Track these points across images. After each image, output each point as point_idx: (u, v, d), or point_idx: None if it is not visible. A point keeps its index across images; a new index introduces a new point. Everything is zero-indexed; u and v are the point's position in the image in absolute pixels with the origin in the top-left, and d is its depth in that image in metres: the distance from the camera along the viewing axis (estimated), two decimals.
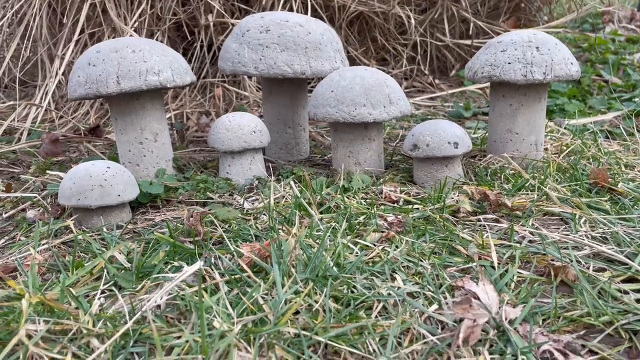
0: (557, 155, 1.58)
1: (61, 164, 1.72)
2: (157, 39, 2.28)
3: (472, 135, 1.89)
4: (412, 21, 2.62)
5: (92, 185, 1.22)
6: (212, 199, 1.37)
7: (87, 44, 2.21)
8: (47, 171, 1.53)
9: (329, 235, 1.06)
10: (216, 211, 1.22)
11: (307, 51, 1.55)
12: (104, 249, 1.12)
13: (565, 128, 1.99)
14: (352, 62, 2.68)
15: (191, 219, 1.09)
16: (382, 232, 1.06)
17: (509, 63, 1.38)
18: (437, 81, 2.89)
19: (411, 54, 2.80)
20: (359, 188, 1.33)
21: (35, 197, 1.39)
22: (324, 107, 1.43)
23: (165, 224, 1.16)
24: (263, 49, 1.55)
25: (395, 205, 1.26)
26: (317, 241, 1.03)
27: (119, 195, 1.24)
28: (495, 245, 1.02)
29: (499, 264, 0.96)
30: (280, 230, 1.07)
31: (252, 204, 1.32)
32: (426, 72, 2.81)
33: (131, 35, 2.07)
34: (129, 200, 1.27)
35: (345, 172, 1.48)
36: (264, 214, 1.23)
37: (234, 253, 0.99)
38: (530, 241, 1.07)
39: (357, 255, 0.99)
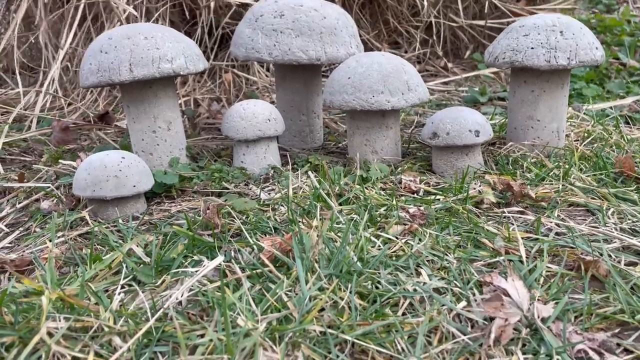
0: (579, 142, 1.54)
1: (73, 152, 1.70)
2: (157, 22, 2.24)
3: (489, 121, 1.85)
4: (425, 2, 2.56)
5: (107, 176, 1.20)
6: (227, 189, 1.34)
7: (90, 30, 2.17)
8: (60, 160, 1.51)
9: (351, 229, 1.03)
10: (233, 202, 1.20)
11: (322, 36, 1.51)
12: (121, 241, 1.10)
13: (584, 113, 1.95)
14: (364, 46, 2.64)
15: (208, 211, 1.06)
16: (405, 224, 1.04)
17: (532, 48, 1.34)
18: (450, 64, 2.84)
19: (424, 36, 2.75)
20: (377, 178, 1.30)
21: (49, 187, 1.37)
22: (340, 94, 1.40)
23: (184, 215, 1.14)
24: (277, 34, 1.51)
25: (416, 195, 1.23)
26: (339, 234, 1.00)
27: (134, 186, 1.22)
28: (522, 238, 0.99)
29: (527, 258, 0.93)
30: (300, 223, 1.04)
31: (269, 194, 1.30)
32: (439, 53, 2.76)
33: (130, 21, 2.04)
34: (145, 190, 1.25)
35: (362, 161, 1.46)
36: (282, 205, 1.20)
37: (254, 247, 0.97)
38: (557, 234, 1.04)
39: (379, 249, 0.96)
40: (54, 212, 1.25)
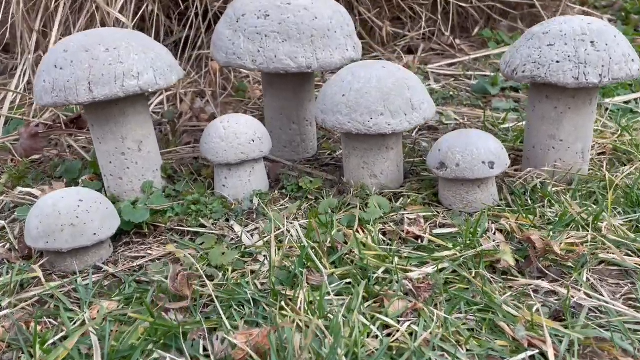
0: (604, 159, 1.37)
1: (39, 166, 1.53)
2: (147, 6, 2.02)
3: (501, 124, 1.66)
4: None
5: (62, 225, 1.03)
6: (205, 226, 1.18)
7: (68, 18, 1.95)
8: (18, 188, 1.34)
9: (344, 304, 0.87)
10: (209, 255, 1.04)
11: (314, 40, 1.31)
12: (77, 308, 0.95)
13: (606, 110, 1.75)
14: (364, 24, 2.41)
15: (176, 280, 0.91)
16: (408, 300, 0.88)
17: (558, 62, 1.14)
18: (457, 41, 2.61)
19: (429, 15, 2.51)
20: (376, 218, 1.13)
21: (1, 224, 1.21)
22: (333, 113, 1.21)
23: (149, 283, 0.98)
24: (262, 38, 1.31)
25: (420, 242, 1.07)
26: (330, 315, 0.84)
27: (95, 234, 1.06)
28: (548, 326, 0.82)
29: (555, 356, 0.78)
30: (282, 304, 0.88)
31: (252, 236, 1.14)
32: (446, 33, 2.53)
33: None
34: (107, 237, 1.09)
35: (358, 187, 1.29)
36: (265, 255, 1.04)
37: (227, 339, 0.81)
38: (590, 311, 0.88)
39: (377, 338, 0.81)
40: (5, 261, 1.09)
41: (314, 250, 1.00)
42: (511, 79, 1.23)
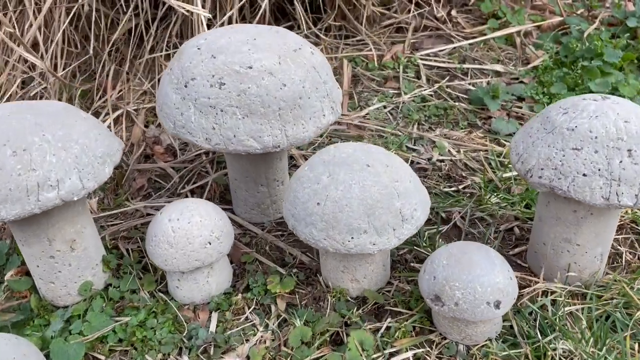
0: (621, 236, 1.18)
1: None
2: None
3: (502, 160, 1.43)
4: None
5: None
6: None
7: None
8: None
9: None
10: None
11: (282, 114, 1.06)
12: None
13: None
14: (347, 1, 2.08)
15: None
16: None
17: (584, 175, 0.92)
18: (453, 12, 2.30)
19: None
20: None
21: None
22: (306, 225, 0.99)
23: None
24: (217, 113, 1.05)
25: None
26: None
27: None
28: None
29: None
30: None
31: None
32: (439, 8, 2.20)
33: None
34: None
35: (337, 291, 1.09)
36: None
37: None
38: None
39: None
40: None
41: None
42: (522, 176, 1.00)
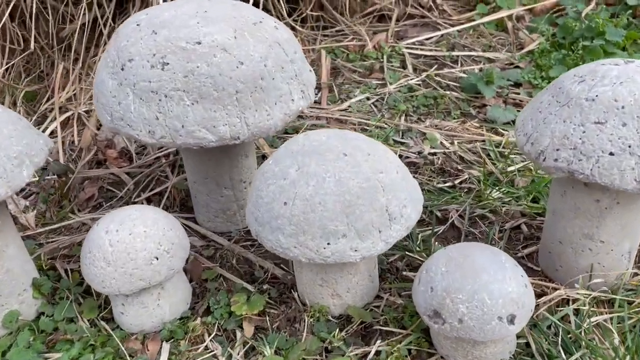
0: None
1: None
2: None
3: (502, 151, 1.26)
4: None
5: None
6: None
7: None
8: None
9: None
10: None
11: (240, 97, 0.87)
12: None
13: None
14: None
15: None
16: None
17: (611, 154, 0.74)
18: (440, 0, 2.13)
19: None
20: None
21: None
22: (272, 230, 0.80)
23: None
24: (160, 99, 0.86)
25: None
26: None
27: None
28: None
29: None
30: None
31: None
32: None
33: None
34: None
35: (316, 309, 0.90)
36: None
37: None
38: None
39: None
40: None
41: None
42: (534, 162, 0.82)
